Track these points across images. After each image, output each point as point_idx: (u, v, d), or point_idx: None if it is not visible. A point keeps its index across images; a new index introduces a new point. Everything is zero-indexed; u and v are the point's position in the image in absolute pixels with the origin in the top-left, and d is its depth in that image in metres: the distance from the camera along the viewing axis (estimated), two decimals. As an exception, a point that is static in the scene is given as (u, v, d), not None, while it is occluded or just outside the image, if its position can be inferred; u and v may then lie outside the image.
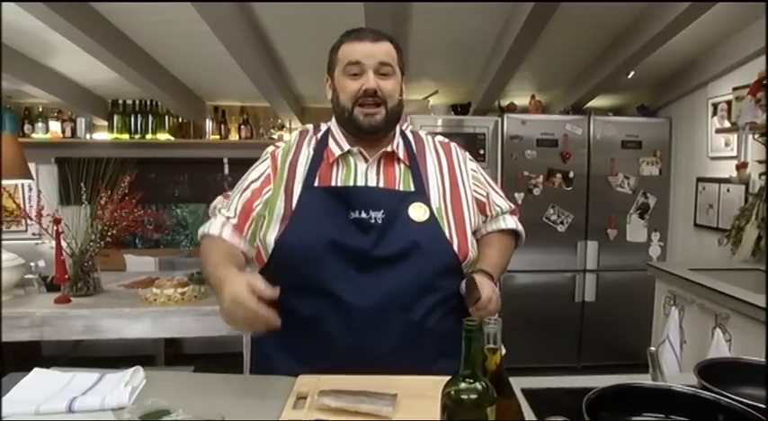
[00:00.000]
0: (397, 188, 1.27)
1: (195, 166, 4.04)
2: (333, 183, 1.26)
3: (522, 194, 3.66)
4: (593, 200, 3.69)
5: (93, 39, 2.42)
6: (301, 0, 2.30)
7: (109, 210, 2.56)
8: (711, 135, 3.34)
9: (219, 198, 1.43)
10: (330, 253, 1.18)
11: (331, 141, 1.30)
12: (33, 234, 2.64)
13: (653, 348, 1.13)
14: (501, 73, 3.11)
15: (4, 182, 2.81)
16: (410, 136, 1.37)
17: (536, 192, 3.67)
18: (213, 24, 2.33)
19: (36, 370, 1.19)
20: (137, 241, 4.11)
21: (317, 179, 1.26)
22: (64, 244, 2.53)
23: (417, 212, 1.24)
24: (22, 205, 3.31)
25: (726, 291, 2.18)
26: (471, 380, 0.75)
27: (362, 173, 1.28)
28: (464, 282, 1.22)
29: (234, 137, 3.97)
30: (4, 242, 2.83)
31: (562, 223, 3.69)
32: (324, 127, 1.35)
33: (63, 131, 3.76)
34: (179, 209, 4.11)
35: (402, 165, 1.30)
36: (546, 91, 3.92)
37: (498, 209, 1.41)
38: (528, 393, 1.09)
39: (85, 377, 1.17)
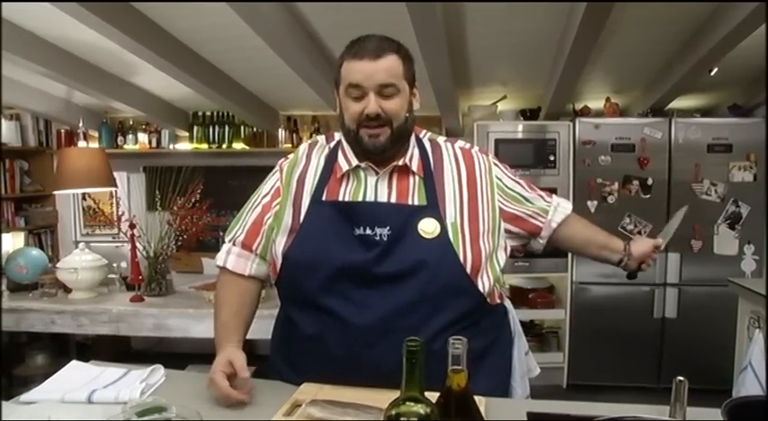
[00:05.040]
0: (409, 202, 1.22)
1: (272, 173, 4.19)
2: (341, 198, 1.23)
3: (595, 202, 3.47)
4: (675, 208, 3.35)
5: (159, 55, 2.59)
6: (345, 0, 2.32)
7: (180, 216, 2.75)
8: (816, 136, 2.98)
9: None
10: (333, 269, 1.17)
11: (340, 155, 1.27)
12: (113, 237, 2.91)
13: (680, 377, 1.01)
14: (566, 75, 2.96)
15: (95, 190, 3.11)
16: (427, 145, 1.31)
17: (610, 200, 3.46)
18: (264, 35, 2.40)
19: (73, 362, 1.30)
20: (220, 244, 4.33)
21: (325, 192, 1.24)
22: (140, 247, 2.74)
23: (427, 227, 1.18)
24: (114, 210, 3.66)
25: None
26: (413, 403, 0.71)
27: (372, 186, 1.24)
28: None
29: (305, 145, 4.09)
30: (94, 244, 3.13)
31: (640, 233, 3.44)
32: (337, 136, 1.32)
33: (150, 142, 4.09)
34: (262, 214, 4.28)
35: (416, 177, 1.25)
36: (623, 93, 3.68)
37: (546, 204, 1.36)
38: (532, 418, 1.03)
39: (113, 372, 1.26)
